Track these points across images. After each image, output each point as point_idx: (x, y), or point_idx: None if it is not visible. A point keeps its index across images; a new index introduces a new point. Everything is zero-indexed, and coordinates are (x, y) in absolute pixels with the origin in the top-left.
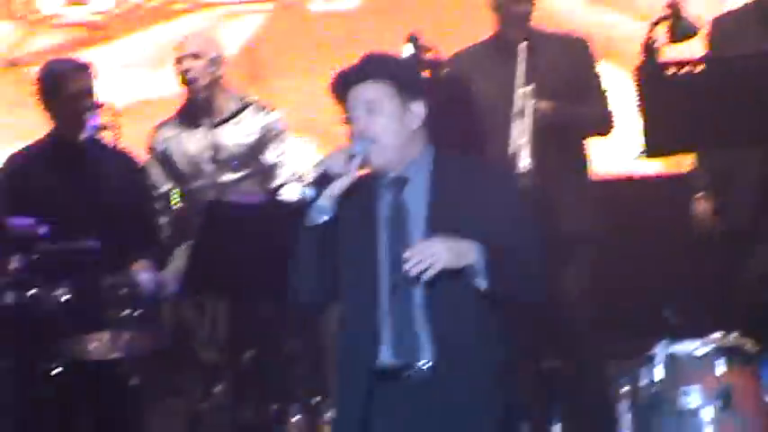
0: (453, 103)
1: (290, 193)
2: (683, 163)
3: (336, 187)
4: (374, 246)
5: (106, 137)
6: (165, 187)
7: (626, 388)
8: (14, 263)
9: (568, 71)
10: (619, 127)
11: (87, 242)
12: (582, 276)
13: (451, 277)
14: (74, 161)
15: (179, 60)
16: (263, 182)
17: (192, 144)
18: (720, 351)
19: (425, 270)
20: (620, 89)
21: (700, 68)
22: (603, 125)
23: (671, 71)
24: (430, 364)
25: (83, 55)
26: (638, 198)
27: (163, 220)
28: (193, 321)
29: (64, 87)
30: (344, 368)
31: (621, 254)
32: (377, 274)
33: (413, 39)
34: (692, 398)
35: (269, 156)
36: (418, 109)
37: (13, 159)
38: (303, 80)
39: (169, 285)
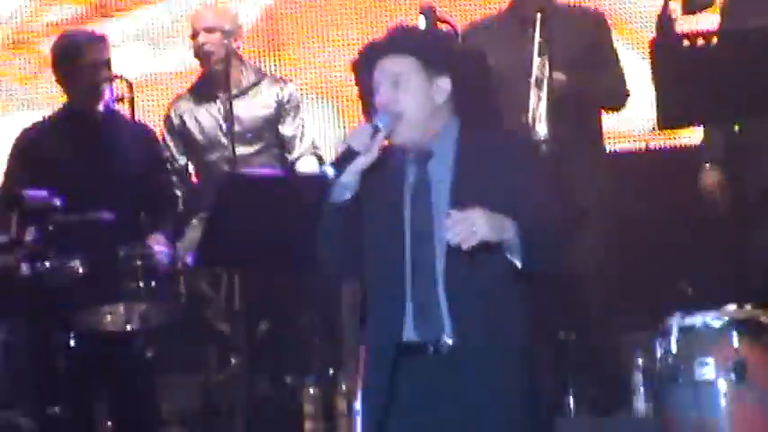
0: (469, 74)
1: (306, 166)
2: (698, 135)
3: (360, 164)
4: (399, 219)
5: (122, 108)
6: (181, 160)
7: (641, 360)
8: (29, 234)
9: (584, 43)
10: (633, 99)
11: (102, 213)
12: (596, 248)
13: (475, 253)
14: (89, 133)
15: (194, 33)
16: (279, 154)
17: (207, 117)
18: (735, 323)
19: (465, 239)
20: (631, 64)
21: (714, 40)
22: (618, 97)
23: (686, 43)
24: (450, 341)
25: (98, 27)
26: (652, 170)
27: (178, 192)
28: (208, 293)
29: (79, 59)
30: (372, 340)
31: (635, 225)
32: (402, 247)
33: (426, 11)
34: (707, 369)
35: (285, 128)
36: (444, 83)
37: (27, 131)
38: (318, 51)
39: (184, 257)
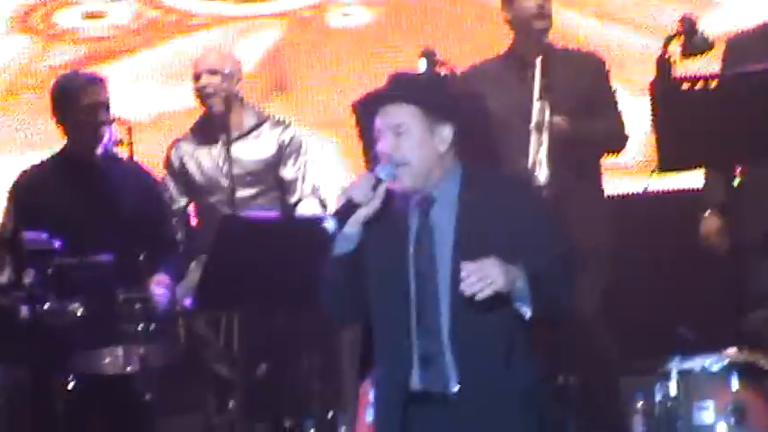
0: (468, 117)
1: (307, 209)
2: (698, 178)
3: (362, 215)
4: (403, 267)
5: (120, 151)
6: (181, 202)
7: (640, 403)
8: (28, 277)
9: (583, 87)
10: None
11: (101, 256)
12: (596, 291)
13: (483, 302)
14: (88, 175)
15: (196, 76)
16: (279, 198)
17: (207, 159)
18: (734, 367)
19: (480, 290)
20: (630, 108)
21: (714, 84)
22: (617, 141)
23: (685, 86)
24: (457, 389)
25: (101, 69)
26: (651, 213)
27: (179, 234)
28: (207, 336)
29: (77, 101)
30: (380, 388)
31: (635, 269)
32: (407, 295)
33: (427, 54)
34: (707, 413)
35: (286, 171)
36: (446, 131)
37: (26, 173)
38: (323, 88)
39: (183, 299)
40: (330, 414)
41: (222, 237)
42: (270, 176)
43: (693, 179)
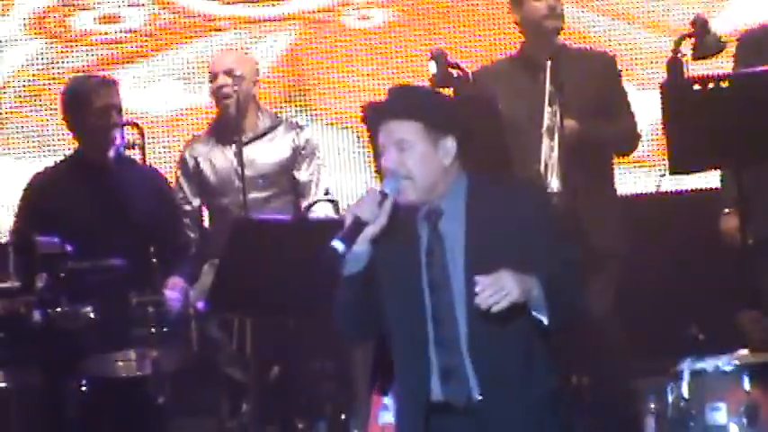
0: (479, 119)
1: (321, 212)
2: (709, 179)
3: (370, 233)
4: (416, 280)
5: (133, 153)
6: (194, 203)
7: (652, 404)
8: (41, 281)
9: (595, 87)
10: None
11: (114, 260)
12: (608, 292)
13: (500, 313)
14: (100, 178)
15: (213, 76)
16: (293, 200)
17: (222, 160)
18: (747, 368)
19: (496, 303)
20: (642, 107)
21: (725, 84)
22: (629, 142)
23: (697, 87)
24: (480, 397)
25: (116, 72)
26: (663, 214)
27: (192, 235)
28: (220, 339)
29: (89, 104)
30: (401, 399)
31: (648, 270)
32: (422, 308)
33: (437, 56)
34: (719, 414)
35: (300, 174)
36: (450, 144)
37: (39, 177)
38: (342, 86)
39: (196, 303)
40: (342, 416)
41: (234, 240)
42: (283, 179)
43: (705, 179)
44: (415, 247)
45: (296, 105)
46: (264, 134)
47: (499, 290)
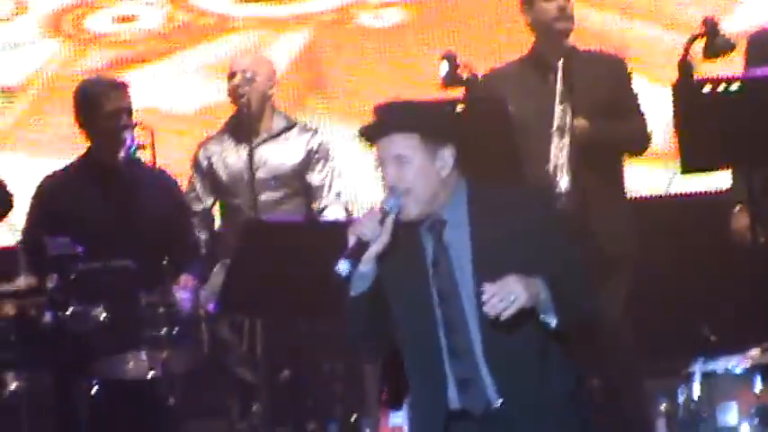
0: (490, 120)
1: (332, 215)
2: (720, 180)
3: (374, 252)
4: (425, 291)
5: (143, 155)
6: (207, 202)
7: (664, 405)
8: (51, 282)
9: (606, 89)
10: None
11: (124, 261)
12: (619, 294)
13: (511, 319)
14: (110, 180)
15: (231, 75)
16: (304, 203)
17: (235, 160)
18: (758, 368)
19: (504, 310)
20: (657, 104)
21: (736, 85)
22: (640, 143)
23: (707, 88)
24: (499, 403)
25: (133, 73)
26: (674, 215)
27: (204, 236)
28: (231, 340)
29: (100, 106)
30: (418, 408)
31: (659, 271)
32: (433, 318)
33: (449, 57)
34: (730, 415)
35: (313, 177)
36: (447, 154)
37: (49, 178)
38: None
39: (207, 304)
40: (354, 418)
41: (245, 241)
42: (296, 181)
43: (716, 180)
44: (420, 260)
45: (311, 105)
46: (278, 135)
47: (506, 296)
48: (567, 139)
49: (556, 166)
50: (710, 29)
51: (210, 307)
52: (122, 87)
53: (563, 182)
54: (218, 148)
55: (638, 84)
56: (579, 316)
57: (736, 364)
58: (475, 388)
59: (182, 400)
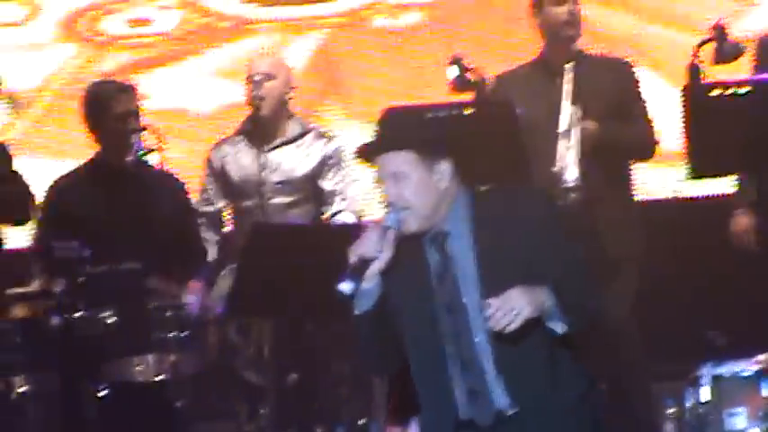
0: (498, 123)
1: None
2: (728, 183)
3: (376, 269)
4: (431, 304)
5: (151, 158)
6: (218, 204)
7: (672, 410)
8: (59, 286)
9: (613, 93)
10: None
11: (132, 265)
12: (626, 296)
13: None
14: (119, 183)
15: (249, 78)
16: (316, 208)
17: (249, 163)
18: (766, 372)
19: (509, 323)
20: (669, 102)
21: (745, 89)
22: (647, 148)
23: (716, 92)
24: (510, 412)
25: (149, 76)
26: (682, 218)
27: (213, 238)
28: (239, 343)
29: (108, 109)
30: (428, 418)
31: (667, 274)
32: (439, 330)
33: (457, 60)
34: (738, 419)
35: (326, 183)
36: (444, 167)
37: (58, 182)
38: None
39: (214, 307)
40: (361, 422)
41: (253, 243)
42: (308, 186)
43: (723, 184)
44: (424, 272)
45: (327, 107)
46: (293, 140)
47: (510, 310)
48: (573, 141)
49: (563, 167)
50: (719, 33)
51: (218, 310)
52: (130, 90)
53: (570, 175)
54: (231, 150)
55: (654, 83)
56: (585, 318)
57: (745, 367)
58: (483, 399)
59: (189, 403)
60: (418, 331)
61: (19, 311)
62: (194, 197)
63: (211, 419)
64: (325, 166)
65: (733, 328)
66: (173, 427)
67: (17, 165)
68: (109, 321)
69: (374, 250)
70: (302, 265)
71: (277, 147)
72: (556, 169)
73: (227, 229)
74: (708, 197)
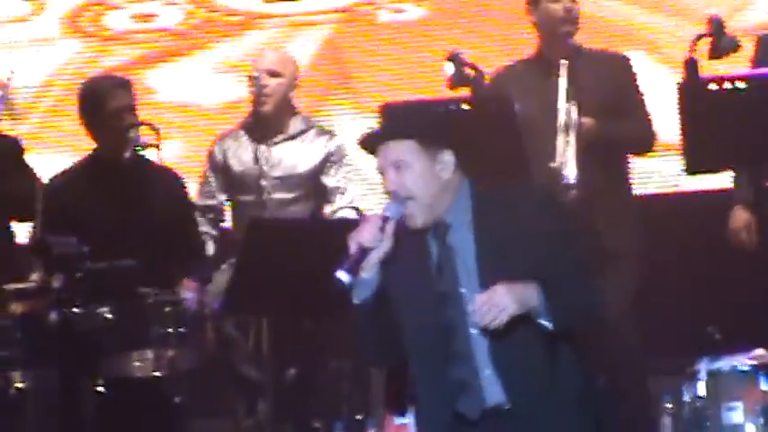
0: (496, 119)
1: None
2: (726, 179)
3: (375, 258)
4: (430, 294)
5: (148, 154)
6: (219, 198)
7: (669, 404)
8: (57, 281)
9: (610, 88)
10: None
11: (130, 261)
12: (624, 292)
13: (514, 321)
14: (116, 179)
15: (255, 73)
16: (316, 205)
17: (250, 158)
18: (763, 367)
19: (493, 320)
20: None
21: (742, 84)
22: (644, 142)
23: (713, 87)
24: (507, 407)
25: (154, 71)
26: (680, 214)
27: (212, 232)
28: (237, 338)
29: (103, 105)
30: (425, 412)
31: (664, 269)
32: (437, 322)
33: (454, 56)
34: (736, 414)
35: (328, 180)
36: (447, 158)
37: (56, 178)
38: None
39: (213, 302)
40: (359, 417)
41: (251, 239)
42: (309, 183)
43: (722, 179)
44: (425, 263)
45: (333, 101)
46: (295, 137)
47: (493, 307)
48: (572, 137)
49: (562, 163)
50: (716, 28)
51: (216, 305)
52: (126, 86)
53: (569, 172)
54: (233, 144)
55: (656, 73)
56: (577, 317)
57: (742, 362)
58: (471, 391)
59: (187, 399)
60: (415, 321)
61: (17, 307)
62: (194, 192)
63: (209, 415)
64: (326, 163)
65: (731, 323)
66: (171, 423)
67: (28, 159)
68: (107, 317)
69: (374, 240)
70: (301, 261)
71: (279, 142)
72: (554, 165)
73: (227, 224)
74: (706, 192)
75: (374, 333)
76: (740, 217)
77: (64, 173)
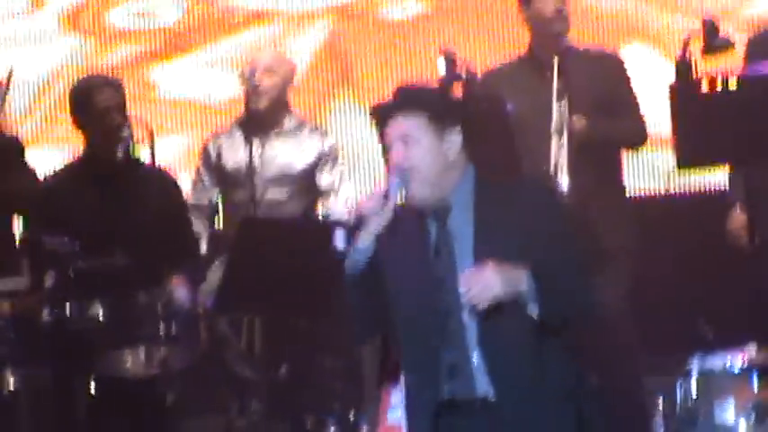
0: (487, 119)
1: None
2: (720, 177)
3: (373, 227)
4: (425, 275)
5: (140, 152)
6: (212, 195)
7: (661, 403)
8: (50, 280)
9: (603, 87)
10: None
11: (122, 259)
12: (618, 291)
13: (505, 306)
14: (107, 178)
15: (251, 71)
16: (310, 204)
17: (242, 155)
18: (755, 366)
19: (479, 299)
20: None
21: (734, 83)
22: (638, 139)
23: (705, 86)
24: (492, 396)
25: (155, 67)
26: (672, 212)
27: (205, 230)
28: (229, 337)
29: (91, 105)
30: (411, 397)
31: (657, 268)
32: (430, 304)
33: (447, 54)
34: (728, 412)
35: (322, 179)
36: (455, 137)
37: (48, 179)
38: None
39: (205, 300)
40: (352, 414)
41: (243, 238)
42: (303, 181)
43: (715, 178)
44: (423, 243)
45: (333, 98)
46: (289, 135)
47: (481, 285)
48: (565, 139)
49: (556, 165)
50: (709, 27)
51: (209, 304)
52: (114, 84)
53: (563, 180)
54: (227, 142)
55: (657, 63)
56: (567, 308)
57: (734, 361)
58: (462, 374)
59: (180, 397)
60: (408, 302)
61: (9, 306)
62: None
63: (202, 413)
64: (321, 161)
65: (723, 322)
66: (164, 422)
67: (29, 156)
68: (99, 315)
69: (374, 209)
70: (293, 259)
71: (273, 140)
72: (549, 168)
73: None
74: (699, 191)
75: (364, 306)
76: (739, 218)
77: (56, 172)
